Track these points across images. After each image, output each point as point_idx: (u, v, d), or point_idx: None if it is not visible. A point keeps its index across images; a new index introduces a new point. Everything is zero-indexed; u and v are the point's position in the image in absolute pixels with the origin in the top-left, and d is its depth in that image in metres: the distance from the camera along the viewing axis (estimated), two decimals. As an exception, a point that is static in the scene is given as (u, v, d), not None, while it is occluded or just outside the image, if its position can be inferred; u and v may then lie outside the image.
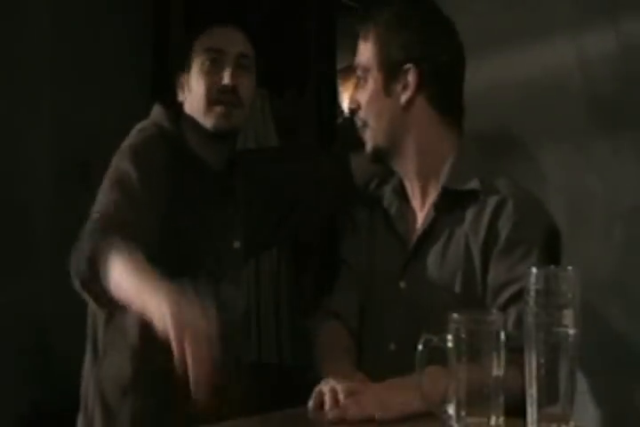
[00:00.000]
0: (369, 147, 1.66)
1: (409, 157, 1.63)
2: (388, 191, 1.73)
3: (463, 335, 1.10)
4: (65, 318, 2.66)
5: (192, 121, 1.77)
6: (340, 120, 3.71)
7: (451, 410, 1.12)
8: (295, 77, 3.85)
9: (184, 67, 1.79)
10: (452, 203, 1.58)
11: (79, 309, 1.80)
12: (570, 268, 1.11)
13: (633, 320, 1.89)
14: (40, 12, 3.00)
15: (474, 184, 1.57)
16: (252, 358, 3.52)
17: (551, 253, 1.51)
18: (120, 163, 1.65)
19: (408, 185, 1.67)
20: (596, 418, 1.87)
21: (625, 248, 1.91)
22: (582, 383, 1.12)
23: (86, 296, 1.46)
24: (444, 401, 1.15)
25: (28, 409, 2.63)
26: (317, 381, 1.43)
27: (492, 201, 1.54)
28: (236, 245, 1.82)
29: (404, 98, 1.60)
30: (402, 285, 1.61)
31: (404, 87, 1.60)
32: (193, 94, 1.77)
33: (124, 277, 1.36)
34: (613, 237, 1.92)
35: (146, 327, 1.51)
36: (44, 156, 2.93)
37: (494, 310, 1.12)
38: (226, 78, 1.74)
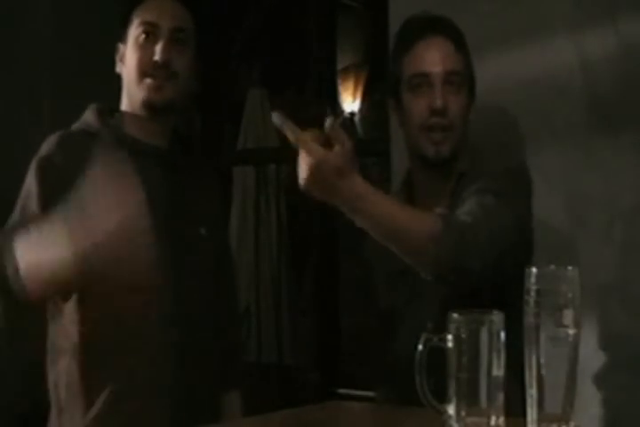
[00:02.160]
0: (446, 149, 1.73)
1: (458, 165, 1.77)
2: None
3: (463, 335, 1.10)
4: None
5: (127, 96, 1.77)
6: (340, 120, 3.71)
7: (451, 410, 1.12)
8: (295, 77, 3.86)
9: (123, 38, 1.77)
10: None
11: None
12: (570, 268, 1.11)
13: (633, 320, 1.89)
14: (40, 12, 3.01)
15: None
16: (252, 358, 3.52)
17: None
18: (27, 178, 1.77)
19: (422, 184, 1.81)
20: (596, 418, 1.87)
21: (625, 248, 1.91)
22: (582, 383, 1.12)
23: None
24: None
25: (28, 409, 2.63)
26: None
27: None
28: (202, 231, 1.78)
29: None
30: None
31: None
32: (127, 67, 1.75)
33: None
34: (613, 237, 1.92)
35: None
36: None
37: (494, 311, 1.12)
38: (157, 54, 1.71)
